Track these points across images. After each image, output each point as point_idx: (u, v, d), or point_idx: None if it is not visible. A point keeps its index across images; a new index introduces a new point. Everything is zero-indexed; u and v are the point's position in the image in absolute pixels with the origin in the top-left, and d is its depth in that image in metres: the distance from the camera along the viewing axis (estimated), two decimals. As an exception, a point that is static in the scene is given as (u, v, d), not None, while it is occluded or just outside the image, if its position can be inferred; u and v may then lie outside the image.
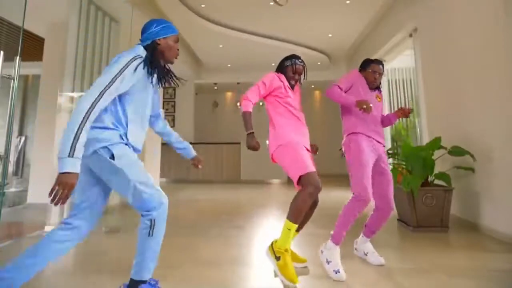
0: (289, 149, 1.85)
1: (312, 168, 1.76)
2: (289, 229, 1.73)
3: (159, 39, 1.50)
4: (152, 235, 1.39)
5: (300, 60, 2.06)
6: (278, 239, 1.79)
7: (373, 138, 2.05)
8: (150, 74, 1.47)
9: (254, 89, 1.95)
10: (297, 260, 1.97)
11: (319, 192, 1.74)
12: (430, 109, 3.76)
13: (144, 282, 1.42)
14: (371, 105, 1.92)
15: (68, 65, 3.20)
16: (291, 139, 1.87)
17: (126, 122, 1.44)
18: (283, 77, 2.03)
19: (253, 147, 1.85)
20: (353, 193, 1.93)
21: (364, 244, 2.13)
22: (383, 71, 2.16)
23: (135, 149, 1.48)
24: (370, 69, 2.14)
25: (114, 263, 2.06)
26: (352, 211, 1.91)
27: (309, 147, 1.97)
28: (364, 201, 1.88)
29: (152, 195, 1.39)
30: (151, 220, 1.38)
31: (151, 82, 1.51)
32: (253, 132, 1.87)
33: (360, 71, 2.20)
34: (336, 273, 1.80)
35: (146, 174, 1.42)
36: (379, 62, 2.16)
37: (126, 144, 1.43)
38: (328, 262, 1.87)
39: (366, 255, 2.09)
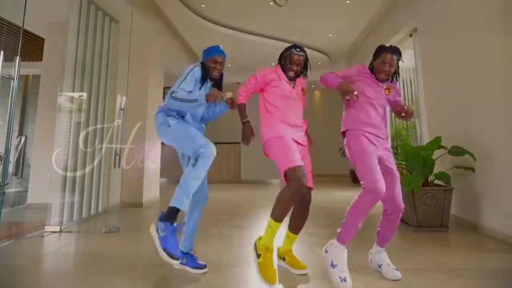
0: (277, 142, 1.80)
1: (298, 162, 1.68)
2: (271, 227, 1.68)
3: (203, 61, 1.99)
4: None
5: (298, 49, 1.94)
6: (262, 236, 1.74)
7: (373, 134, 1.83)
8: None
9: (246, 83, 1.98)
10: (296, 266, 1.87)
11: (303, 188, 1.65)
12: (430, 109, 3.76)
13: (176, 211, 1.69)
14: (356, 93, 1.78)
15: (68, 65, 3.20)
16: (280, 132, 1.82)
17: None
18: (279, 69, 1.97)
19: (247, 135, 1.86)
20: (363, 188, 1.71)
21: (378, 255, 1.87)
22: (396, 61, 1.88)
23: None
24: (380, 59, 1.88)
25: (114, 263, 2.06)
26: (363, 205, 1.66)
27: (302, 141, 1.91)
28: (375, 194, 1.63)
29: None
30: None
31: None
32: (249, 121, 1.89)
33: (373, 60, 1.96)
34: (342, 281, 1.60)
35: None
36: (391, 50, 1.87)
37: None
38: (333, 266, 1.67)
39: (380, 267, 1.84)
